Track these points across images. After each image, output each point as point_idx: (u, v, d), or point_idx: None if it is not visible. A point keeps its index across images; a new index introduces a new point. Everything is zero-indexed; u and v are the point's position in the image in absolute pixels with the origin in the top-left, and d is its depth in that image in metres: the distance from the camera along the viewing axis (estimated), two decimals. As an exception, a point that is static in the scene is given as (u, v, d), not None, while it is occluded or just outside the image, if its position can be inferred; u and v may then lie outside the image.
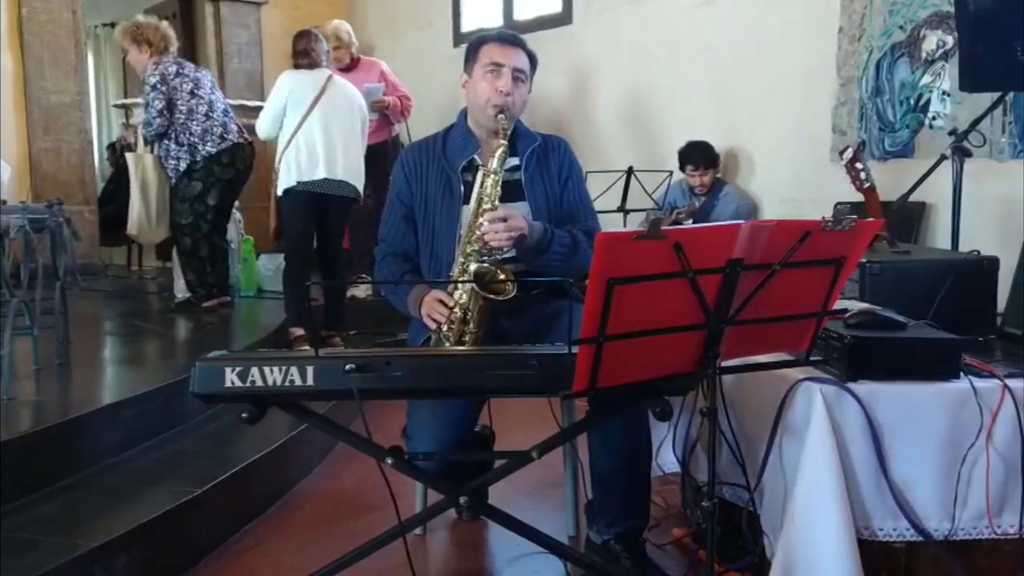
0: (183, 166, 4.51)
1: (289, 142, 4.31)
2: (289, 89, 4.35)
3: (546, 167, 2.39)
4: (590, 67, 5.67)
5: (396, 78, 5.59)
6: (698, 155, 4.68)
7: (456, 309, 2.14)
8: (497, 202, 2.20)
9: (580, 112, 5.76)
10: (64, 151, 6.01)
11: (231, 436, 2.96)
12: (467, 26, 6.69)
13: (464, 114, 2.43)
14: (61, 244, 3.29)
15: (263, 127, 4.44)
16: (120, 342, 4.18)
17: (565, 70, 5.73)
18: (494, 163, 2.23)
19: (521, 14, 6.27)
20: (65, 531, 2.14)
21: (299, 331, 4.30)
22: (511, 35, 2.41)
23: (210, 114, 4.55)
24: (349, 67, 5.36)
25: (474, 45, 2.38)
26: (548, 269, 2.26)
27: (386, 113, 5.42)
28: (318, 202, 4.36)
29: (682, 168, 4.75)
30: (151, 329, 4.38)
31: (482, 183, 2.23)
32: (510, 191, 2.27)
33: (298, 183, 4.28)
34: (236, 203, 5.06)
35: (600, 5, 5.65)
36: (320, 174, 4.30)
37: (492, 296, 2.11)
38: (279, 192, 4.38)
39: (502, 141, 2.25)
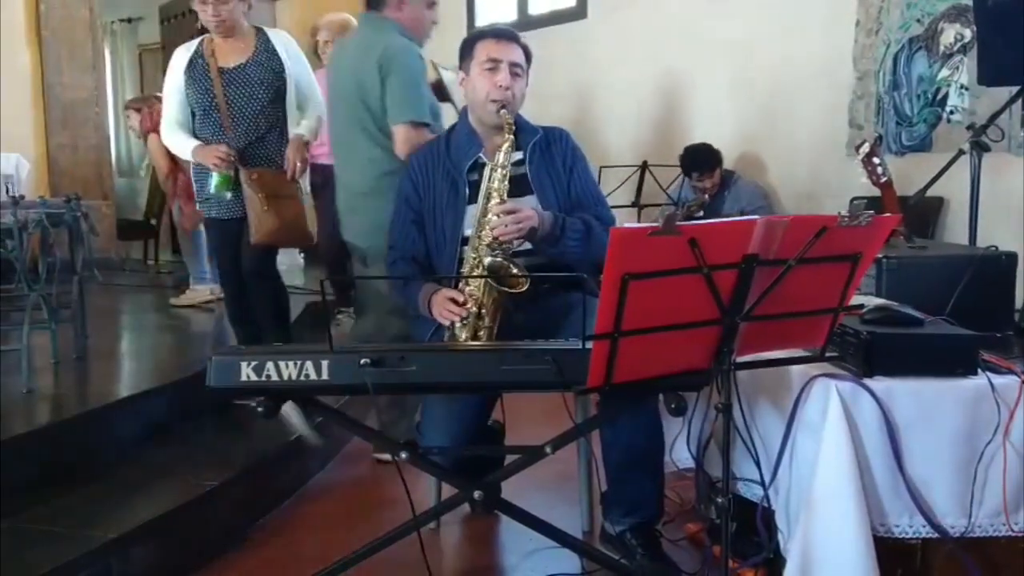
0: None
1: None
2: None
3: (550, 159, 2.39)
4: (605, 61, 5.65)
5: None
6: (699, 160, 4.55)
7: (470, 305, 2.15)
8: (505, 196, 2.22)
9: (595, 106, 5.73)
10: (81, 147, 6.05)
11: (247, 430, 2.97)
12: (481, 20, 6.68)
13: (465, 113, 2.43)
14: (79, 238, 3.32)
15: None
16: (137, 336, 4.21)
17: (579, 64, 5.71)
18: (500, 157, 2.24)
19: (535, 8, 6.25)
20: (82, 523, 2.16)
21: None
22: (505, 30, 2.43)
23: None
24: None
25: (469, 43, 2.39)
26: (567, 258, 2.26)
27: None
28: None
29: (687, 175, 4.64)
30: (168, 323, 4.40)
31: (489, 178, 2.25)
32: (517, 185, 2.28)
33: None
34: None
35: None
36: None
37: (506, 289, 2.11)
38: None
39: (508, 136, 2.26)
